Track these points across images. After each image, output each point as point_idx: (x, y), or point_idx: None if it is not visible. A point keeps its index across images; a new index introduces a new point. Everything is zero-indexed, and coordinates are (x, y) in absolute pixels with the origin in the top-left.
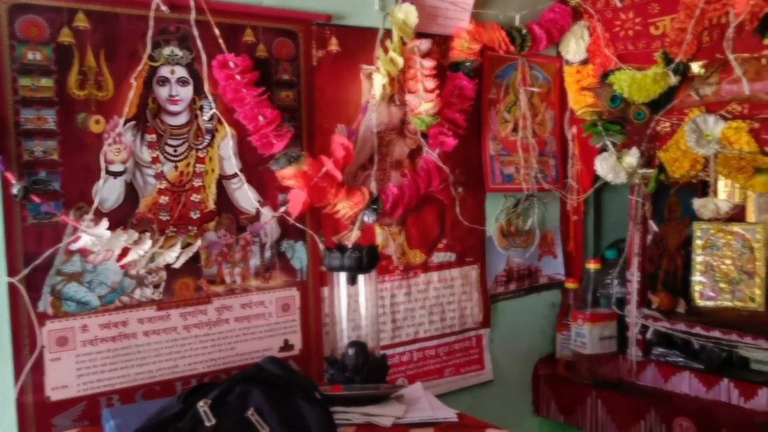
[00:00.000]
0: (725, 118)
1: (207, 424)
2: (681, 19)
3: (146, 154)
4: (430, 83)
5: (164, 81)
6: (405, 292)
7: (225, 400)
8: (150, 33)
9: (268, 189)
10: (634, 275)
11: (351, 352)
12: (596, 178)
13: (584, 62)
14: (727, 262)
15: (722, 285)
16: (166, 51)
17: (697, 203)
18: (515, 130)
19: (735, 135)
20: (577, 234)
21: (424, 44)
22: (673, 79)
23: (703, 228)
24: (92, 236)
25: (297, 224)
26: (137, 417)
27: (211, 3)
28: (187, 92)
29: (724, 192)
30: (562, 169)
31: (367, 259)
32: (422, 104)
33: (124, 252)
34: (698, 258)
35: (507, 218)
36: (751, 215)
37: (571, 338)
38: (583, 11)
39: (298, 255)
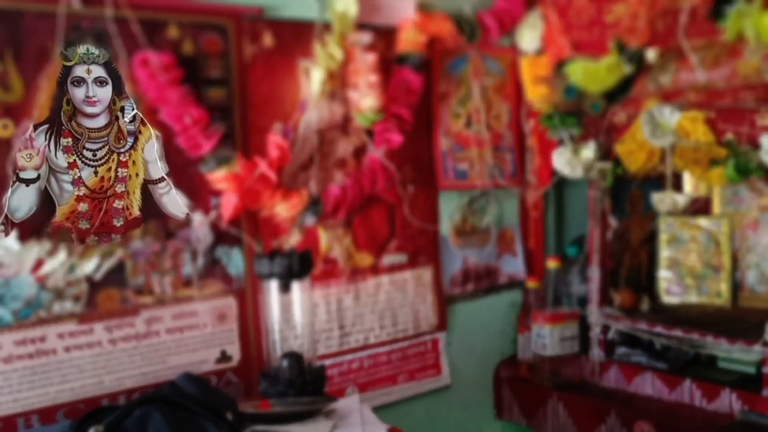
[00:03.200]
0: (681, 108)
1: None
2: (633, 4)
3: (61, 159)
4: (373, 78)
5: (79, 81)
6: (353, 297)
7: (121, 425)
8: (60, 31)
9: (200, 193)
10: (595, 273)
11: (285, 363)
12: (555, 172)
13: (539, 52)
14: (693, 256)
15: (688, 280)
16: (81, 49)
17: (655, 197)
18: (469, 124)
19: (691, 125)
20: (538, 231)
21: (366, 37)
22: (627, 69)
23: (667, 222)
24: (0, 248)
25: (231, 229)
26: None
27: None
28: (105, 93)
29: (690, 184)
30: (520, 163)
31: (298, 266)
32: (365, 100)
33: (39, 264)
34: (663, 253)
35: (462, 216)
36: (717, 208)
37: (532, 339)
38: None
39: (235, 261)
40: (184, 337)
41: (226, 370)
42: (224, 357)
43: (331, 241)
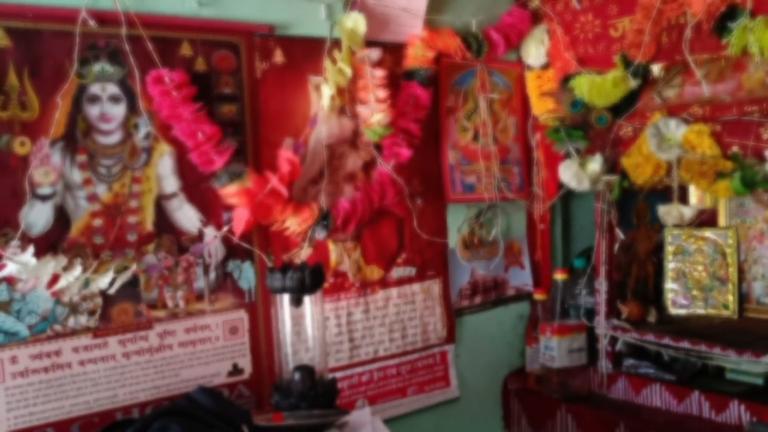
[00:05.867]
0: (687, 122)
1: None
2: (638, 20)
3: (77, 176)
4: (382, 93)
5: (95, 99)
6: (363, 310)
7: None
8: (76, 49)
9: (212, 207)
10: (602, 285)
11: (297, 376)
12: (561, 185)
13: (545, 67)
14: (699, 268)
15: (695, 292)
16: (96, 67)
17: (661, 210)
18: (476, 138)
19: (697, 138)
20: (545, 243)
21: (375, 53)
22: (633, 83)
23: (674, 234)
24: (17, 264)
25: (243, 243)
26: None
27: (143, 16)
28: (119, 110)
29: (696, 196)
30: (527, 176)
31: (310, 280)
32: (374, 115)
33: (55, 279)
34: (670, 265)
35: (470, 229)
36: (723, 219)
37: (540, 351)
38: (542, 14)
39: (246, 275)
40: (196, 350)
41: (237, 383)
42: (236, 370)
43: (340, 255)
